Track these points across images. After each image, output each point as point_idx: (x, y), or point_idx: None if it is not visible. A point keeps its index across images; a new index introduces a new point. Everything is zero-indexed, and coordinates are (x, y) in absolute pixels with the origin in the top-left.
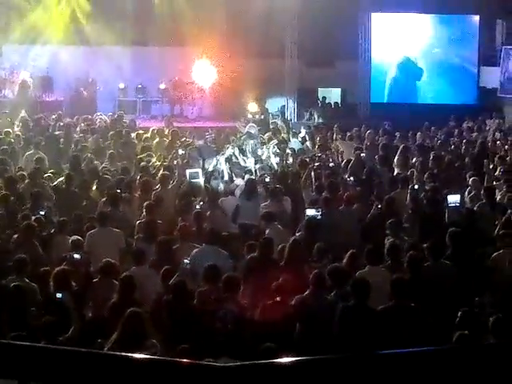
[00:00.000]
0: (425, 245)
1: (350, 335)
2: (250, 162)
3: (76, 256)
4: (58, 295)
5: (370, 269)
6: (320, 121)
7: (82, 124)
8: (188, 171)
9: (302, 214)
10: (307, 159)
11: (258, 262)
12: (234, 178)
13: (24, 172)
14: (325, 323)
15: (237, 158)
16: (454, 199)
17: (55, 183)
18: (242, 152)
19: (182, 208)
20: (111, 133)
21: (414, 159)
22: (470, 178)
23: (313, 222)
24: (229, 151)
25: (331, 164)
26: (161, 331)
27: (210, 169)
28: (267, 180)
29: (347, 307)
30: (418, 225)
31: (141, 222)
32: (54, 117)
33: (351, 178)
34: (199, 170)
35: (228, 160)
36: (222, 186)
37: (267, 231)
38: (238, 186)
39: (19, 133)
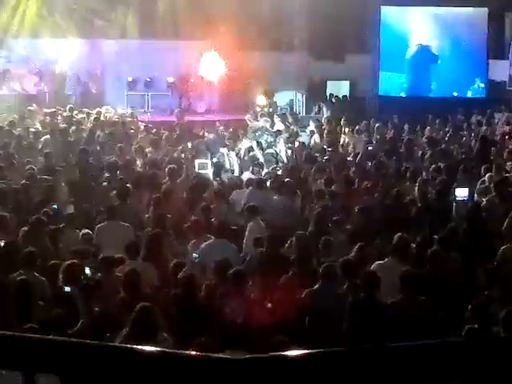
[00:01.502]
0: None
1: (359, 328)
2: (265, 155)
3: (67, 289)
4: (67, 289)
5: (389, 261)
6: (328, 114)
7: (92, 118)
8: (197, 161)
9: (310, 207)
10: (316, 153)
11: (267, 256)
12: (243, 171)
13: (33, 166)
14: (335, 316)
15: (254, 150)
16: (461, 193)
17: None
18: (260, 145)
19: (192, 201)
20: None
21: (420, 152)
22: (484, 171)
23: (322, 215)
24: (246, 144)
25: (349, 158)
26: (170, 325)
27: (217, 161)
28: (279, 173)
29: (356, 300)
30: (427, 218)
31: (150, 215)
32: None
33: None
34: (208, 161)
35: (240, 155)
36: (231, 179)
37: (249, 224)
38: (246, 178)
39: (28, 126)
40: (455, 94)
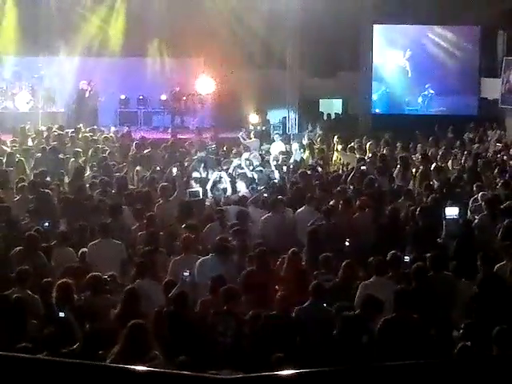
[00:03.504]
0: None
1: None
2: (257, 173)
3: (61, 314)
4: (61, 314)
5: (376, 279)
6: (321, 132)
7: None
8: (188, 191)
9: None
10: (308, 171)
11: (256, 273)
12: (239, 189)
13: (26, 183)
14: (324, 334)
15: (243, 168)
16: (451, 212)
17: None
18: (250, 163)
19: (181, 219)
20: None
21: (414, 170)
22: (476, 189)
23: (314, 233)
24: (235, 162)
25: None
26: (162, 343)
27: (212, 180)
28: (269, 191)
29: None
30: (418, 236)
31: (142, 233)
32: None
33: (351, 187)
34: (199, 189)
35: (231, 173)
36: (223, 198)
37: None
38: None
39: (16, 144)
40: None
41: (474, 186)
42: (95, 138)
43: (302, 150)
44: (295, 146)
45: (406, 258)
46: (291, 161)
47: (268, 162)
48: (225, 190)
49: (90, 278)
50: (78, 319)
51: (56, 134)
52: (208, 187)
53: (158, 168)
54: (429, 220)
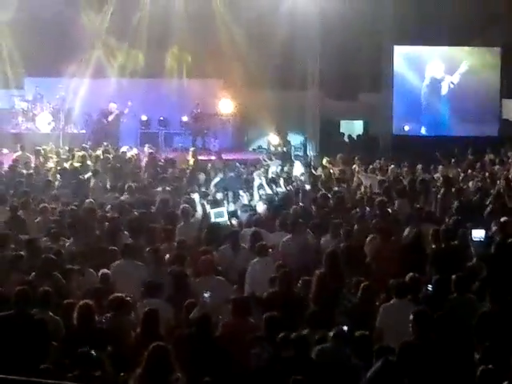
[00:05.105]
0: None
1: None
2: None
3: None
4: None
5: (396, 302)
6: (342, 153)
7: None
8: (213, 211)
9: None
10: (328, 193)
11: (280, 296)
12: (260, 210)
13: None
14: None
15: (264, 188)
16: (478, 234)
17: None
18: (274, 182)
19: (208, 241)
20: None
21: (434, 191)
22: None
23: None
24: (257, 182)
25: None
26: (184, 365)
27: (238, 201)
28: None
29: None
30: (441, 259)
31: (170, 255)
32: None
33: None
34: (224, 209)
35: (254, 192)
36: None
37: (252, 262)
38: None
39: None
40: (469, 132)
41: (498, 207)
42: (125, 157)
43: (321, 171)
44: (314, 167)
45: (429, 287)
46: (311, 181)
47: (289, 183)
48: (246, 210)
49: (114, 299)
50: (99, 341)
51: (80, 154)
52: (234, 208)
53: (168, 188)
54: (451, 242)
